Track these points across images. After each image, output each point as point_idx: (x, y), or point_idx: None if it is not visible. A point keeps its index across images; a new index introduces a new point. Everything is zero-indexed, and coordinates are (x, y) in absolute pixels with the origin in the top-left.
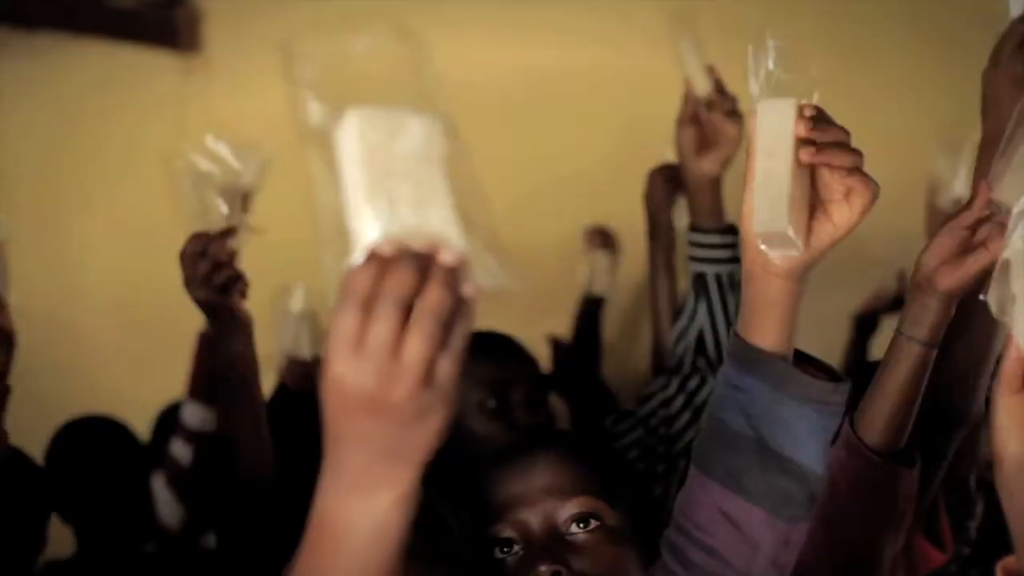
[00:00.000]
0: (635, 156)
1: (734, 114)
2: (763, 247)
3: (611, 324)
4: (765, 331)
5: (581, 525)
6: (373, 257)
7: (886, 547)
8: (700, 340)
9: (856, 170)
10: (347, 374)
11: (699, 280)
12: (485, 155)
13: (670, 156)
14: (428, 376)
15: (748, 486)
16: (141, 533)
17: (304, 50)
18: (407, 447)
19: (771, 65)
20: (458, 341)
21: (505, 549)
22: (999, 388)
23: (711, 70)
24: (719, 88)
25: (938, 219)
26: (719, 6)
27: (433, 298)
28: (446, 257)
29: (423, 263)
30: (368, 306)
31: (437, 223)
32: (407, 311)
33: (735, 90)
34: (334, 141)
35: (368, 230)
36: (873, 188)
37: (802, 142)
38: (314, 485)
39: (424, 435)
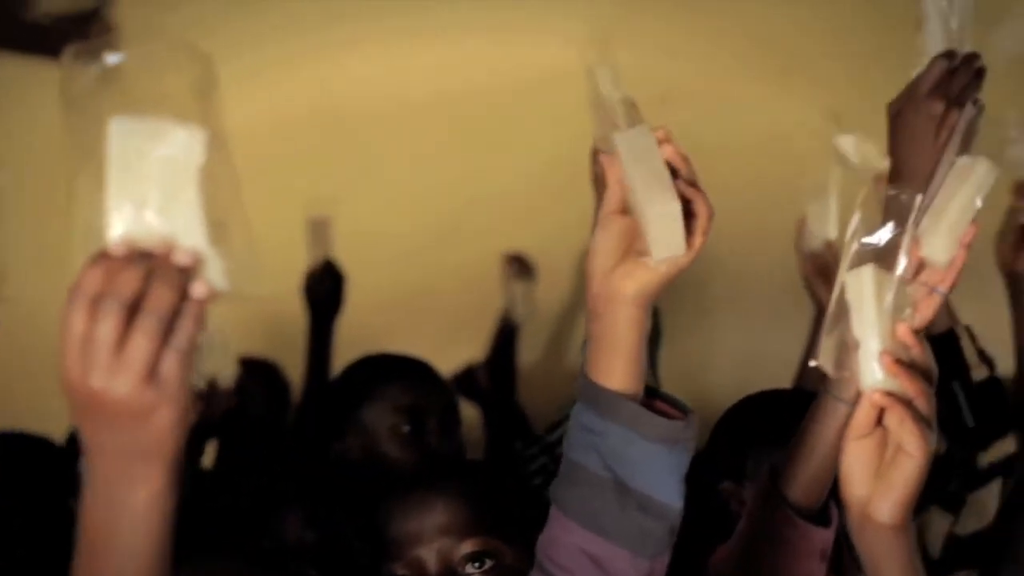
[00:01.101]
0: (563, 179)
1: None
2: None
3: (532, 349)
4: (613, 370)
5: (477, 565)
6: (103, 257)
7: None
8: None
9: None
10: (74, 372)
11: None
12: (415, 170)
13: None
14: (152, 373)
15: (609, 527)
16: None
17: (79, 64)
18: (144, 445)
19: (613, 92)
20: (183, 339)
21: None
22: (847, 433)
23: (630, 102)
24: (637, 121)
25: (811, 262)
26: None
27: (156, 297)
28: (179, 258)
29: (154, 264)
30: (95, 306)
31: (181, 226)
32: (135, 310)
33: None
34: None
35: (110, 231)
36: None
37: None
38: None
39: (157, 431)
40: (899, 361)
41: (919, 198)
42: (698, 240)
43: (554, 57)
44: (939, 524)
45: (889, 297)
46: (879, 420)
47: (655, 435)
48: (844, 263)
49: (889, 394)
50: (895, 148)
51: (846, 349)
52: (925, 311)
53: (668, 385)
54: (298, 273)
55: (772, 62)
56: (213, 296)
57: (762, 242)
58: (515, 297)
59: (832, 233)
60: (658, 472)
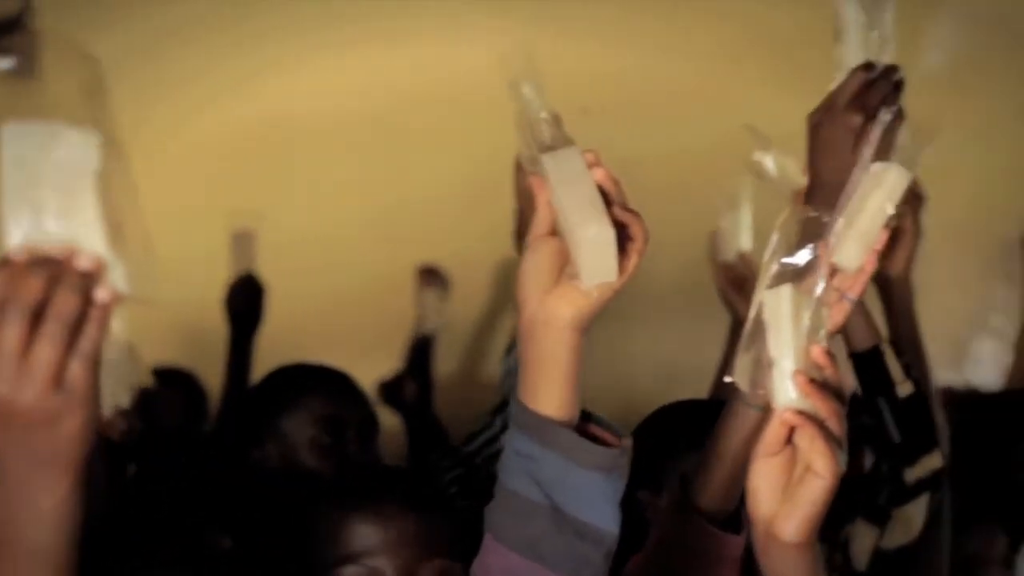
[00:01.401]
0: (482, 188)
1: None
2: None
3: (450, 360)
4: (550, 395)
5: None
6: (3, 264)
7: None
8: None
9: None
10: None
11: None
12: (334, 182)
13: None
14: (58, 379)
15: (546, 553)
16: None
17: None
18: (50, 451)
19: (537, 107)
20: (88, 345)
21: None
22: (757, 450)
23: (555, 115)
24: (561, 134)
25: (724, 273)
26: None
27: (60, 302)
28: (81, 263)
29: (56, 269)
30: None
31: (81, 231)
32: (39, 316)
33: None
34: None
35: (8, 239)
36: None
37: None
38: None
39: (64, 438)
40: (813, 381)
41: (840, 220)
42: (632, 263)
43: (475, 68)
44: (865, 537)
45: (806, 317)
46: (789, 438)
47: (591, 463)
48: (762, 282)
49: (801, 413)
50: (813, 160)
51: (761, 367)
52: (836, 317)
53: (586, 394)
54: (222, 282)
55: (695, 77)
56: (117, 300)
57: (680, 252)
58: (428, 308)
59: (745, 245)
60: (595, 499)
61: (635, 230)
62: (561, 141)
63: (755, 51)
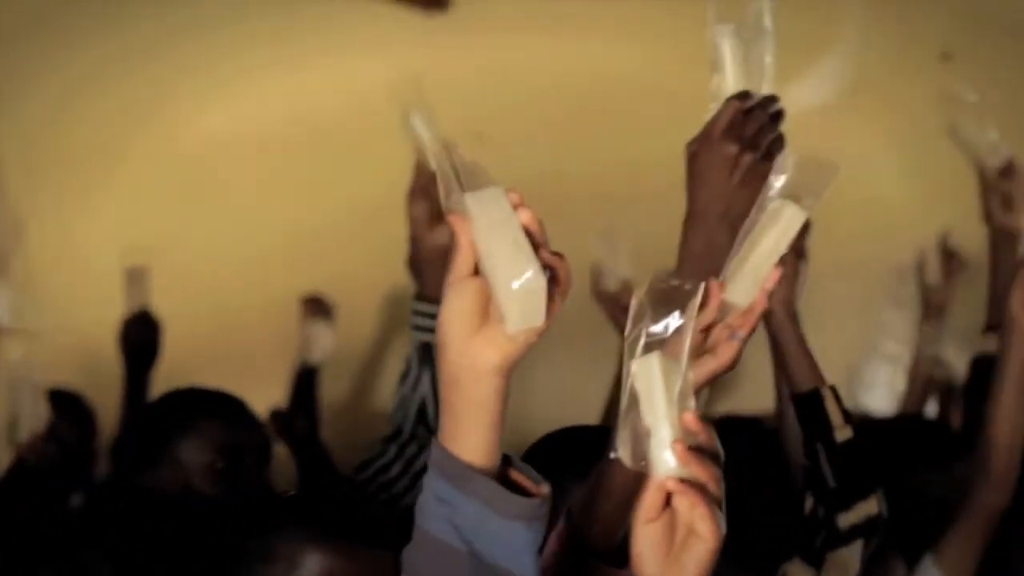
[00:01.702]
0: (370, 216)
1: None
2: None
3: (337, 389)
4: (473, 441)
5: None
6: None
7: None
8: (422, 409)
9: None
10: None
11: (425, 349)
12: (232, 207)
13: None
14: None
15: None
16: None
17: None
18: None
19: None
20: None
21: None
22: (638, 515)
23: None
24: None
25: (610, 304)
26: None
27: None
28: None
29: None
30: None
31: None
32: None
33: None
34: None
35: None
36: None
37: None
38: None
39: None
40: (690, 448)
41: (701, 287)
42: (557, 306)
43: (366, 96)
44: None
45: (677, 384)
46: (667, 502)
47: (512, 514)
48: (629, 353)
49: (681, 481)
50: (689, 189)
51: (639, 438)
52: (723, 356)
53: None
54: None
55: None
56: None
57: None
58: (312, 339)
59: (625, 272)
60: (515, 547)
61: (561, 273)
62: (482, 179)
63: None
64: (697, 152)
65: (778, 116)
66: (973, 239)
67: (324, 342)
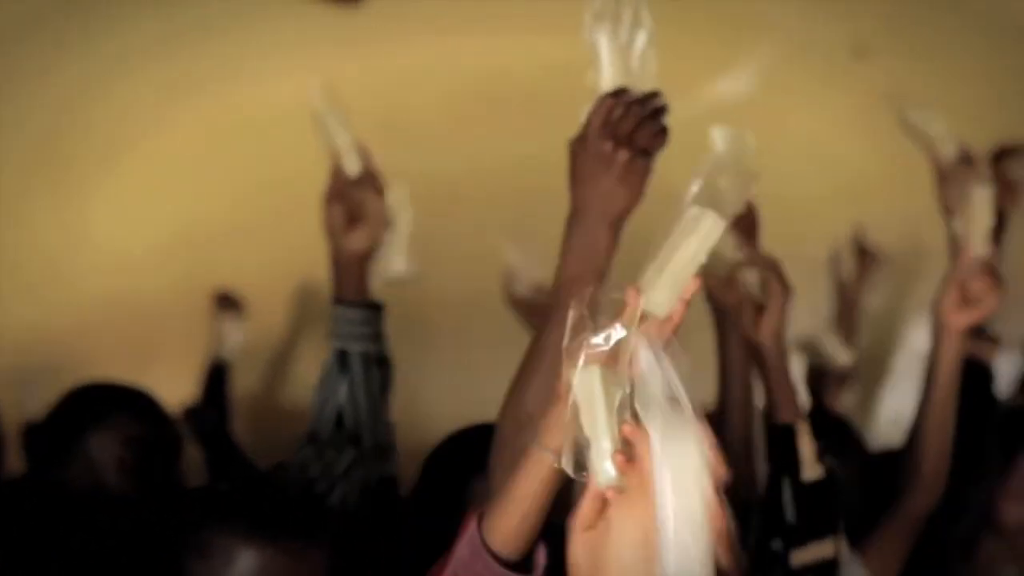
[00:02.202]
0: (280, 213)
1: (382, 191)
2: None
3: (249, 383)
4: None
5: None
6: None
7: None
8: (339, 417)
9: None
10: None
11: (342, 357)
12: (138, 201)
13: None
14: None
15: None
16: None
17: None
18: None
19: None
20: None
21: None
22: (575, 523)
23: (361, 148)
24: (369, 167)
25: (523, 308)
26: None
27: None
28: None
29: None
30: None
31: None
32: None
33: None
34: None
35: None
36: None
37: None
38: None
39: None
40: (630, 459)
41: (643, 299)
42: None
43: (277, 95)
44: None
45: (617, 396)
46: (602, 511)
47: None
48: (568, 363)
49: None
50: (571, 188)
51: (580, 449)
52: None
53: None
54: None
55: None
56: None
57: (483, 277)
58: (224, 335)
59: (537, 275)
60: None
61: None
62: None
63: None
64: (575, 151)
65: (659, 112)
66: (887, 235)
67: (235, 338)
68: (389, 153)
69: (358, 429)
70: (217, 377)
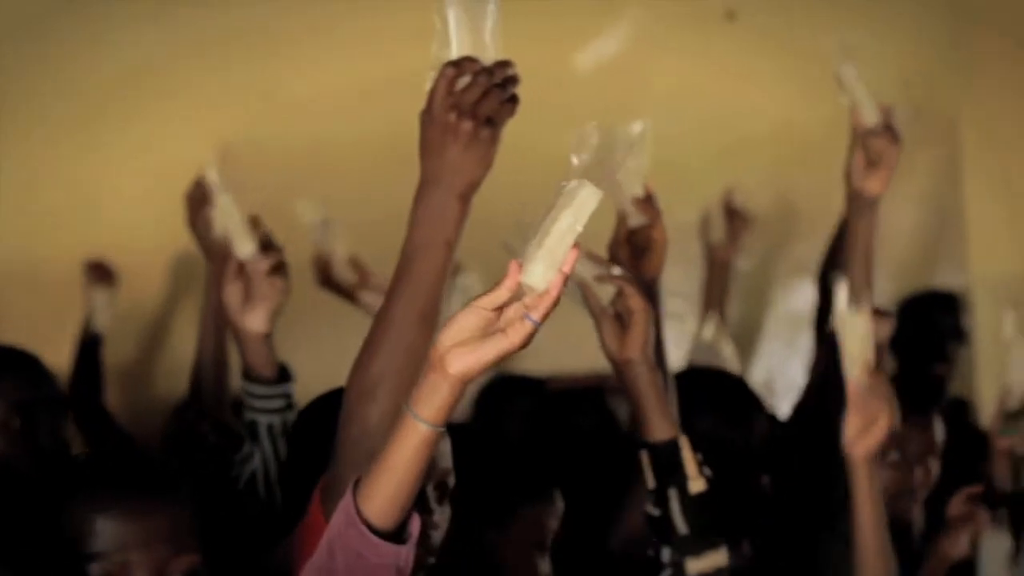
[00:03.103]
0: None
1: (280, 269)
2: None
3: (123, 353)
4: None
5: None
6: None
7: None
8: (252, 479)
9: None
10: None
11: (252, 428)
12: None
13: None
14: None
15: None
16: None
17: None
18: None
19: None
20: None
21: None
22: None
23: (254, 222)
24: (266, 242)
25: (335, 288)
26: None
27: None
28: None
29: None
30: None
31: None
32: None
33: None
34: None
35: None
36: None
37: None
38: None
39: None
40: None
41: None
42: None
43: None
44: None
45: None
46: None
47: None
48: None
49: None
50: (420, 156)
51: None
52: (514, 337)
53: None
54: None
55: None
56: None
57: None
58: (96, 305)
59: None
60: None
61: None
62: None
63: None
64: (423, 121)
65: (508, 82)
66: (760, 198)
67: (107, 308)
68: None
69: (269, 490)
70: (89, 348)
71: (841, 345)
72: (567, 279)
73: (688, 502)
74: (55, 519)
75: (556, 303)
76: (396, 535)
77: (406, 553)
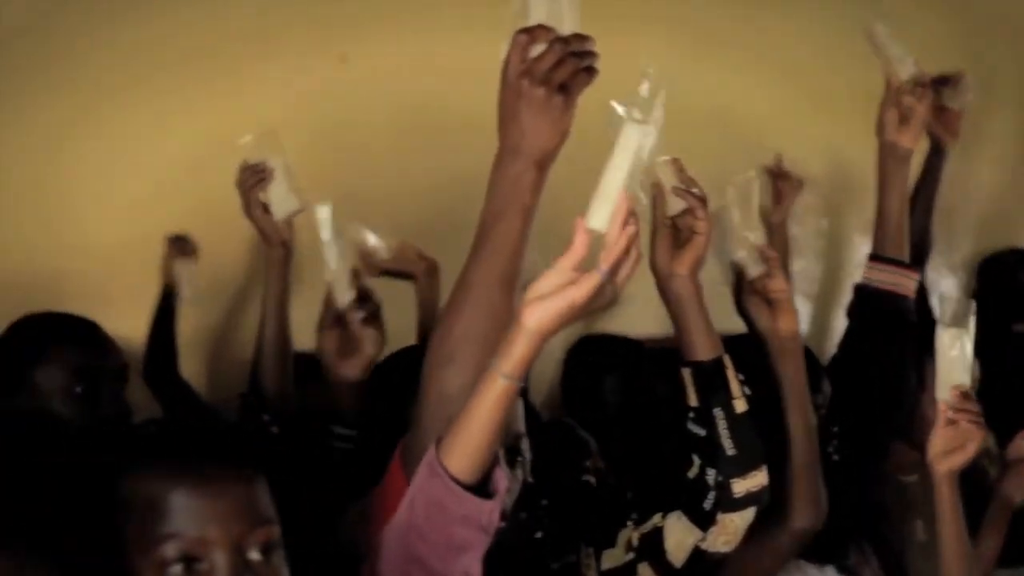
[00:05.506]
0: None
1: (375, 319)
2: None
3: (203, 324)
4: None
5: (265, 553)
6: None
7: (455, 572)
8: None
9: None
10: None
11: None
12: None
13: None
14: None
15: None
16: None
17: None
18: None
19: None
20: None
21: (181, 565)
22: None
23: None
24: (364, 293)
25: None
26: None
27: None
28: None
29: None
30: None
31: None
32: None
33: None
34: None
35: None
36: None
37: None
38: None
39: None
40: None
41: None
42: None
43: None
44: (687, 536)
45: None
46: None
47: None
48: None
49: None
50: (499, 123)
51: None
52: (582, 286)
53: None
54: None
55: None
56: None
57: None
58: (180, 278)
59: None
60: None
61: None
62: None
63: None
64: (501, 88)
65: (584, 54)
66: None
67: (191, 281)
68: None
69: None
70: (166, 316)
71: (937, 362)
72: (628, 218)
73: (735, 422)
74: (118, 493)
75: (628, 255)
76: (478, 491)
77: (490, 508)
